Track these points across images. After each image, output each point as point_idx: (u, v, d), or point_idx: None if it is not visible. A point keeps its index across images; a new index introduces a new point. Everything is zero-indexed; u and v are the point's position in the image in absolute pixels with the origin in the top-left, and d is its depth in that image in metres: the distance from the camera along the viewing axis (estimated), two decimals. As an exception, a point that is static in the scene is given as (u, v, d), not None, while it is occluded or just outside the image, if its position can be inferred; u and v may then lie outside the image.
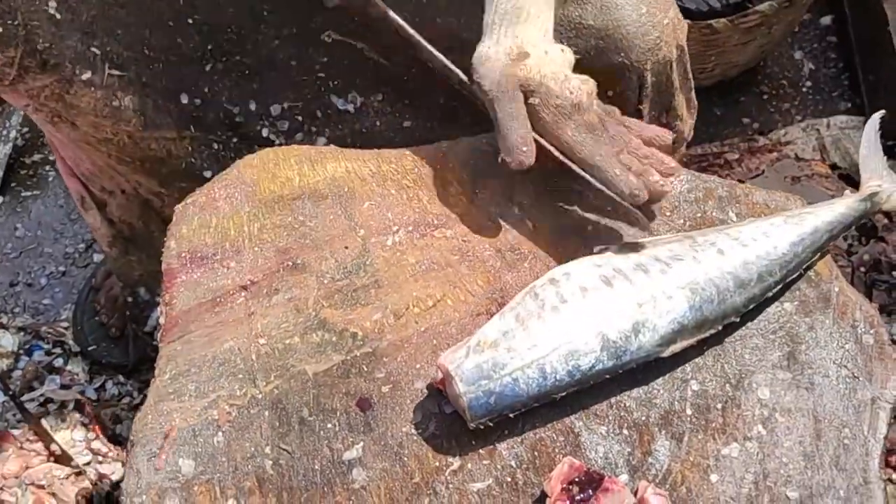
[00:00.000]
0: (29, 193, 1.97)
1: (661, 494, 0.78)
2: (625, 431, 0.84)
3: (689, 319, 0.86)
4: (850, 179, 1.73)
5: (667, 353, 0.85)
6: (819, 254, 0.94)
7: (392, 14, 1.01)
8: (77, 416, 1.47)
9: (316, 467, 0.83)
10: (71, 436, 1.44)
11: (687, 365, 0.88)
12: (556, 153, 0.93)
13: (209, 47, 1.11)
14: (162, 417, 0.86)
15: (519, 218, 0.98)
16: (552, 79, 0.90)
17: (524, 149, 0.89)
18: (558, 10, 1.00)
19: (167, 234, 0.99)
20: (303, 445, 0.84)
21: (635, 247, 0.91)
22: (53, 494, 1.26)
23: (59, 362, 1.62)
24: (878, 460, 0.83)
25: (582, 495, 0.77)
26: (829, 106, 1.94)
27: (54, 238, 1.89)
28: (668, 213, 0.99)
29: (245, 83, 1.12)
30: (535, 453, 0.83)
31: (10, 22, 1.01)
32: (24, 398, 1.50)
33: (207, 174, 1.17)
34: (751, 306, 0.89)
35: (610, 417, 0.85)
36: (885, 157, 1.02)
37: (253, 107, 1.12)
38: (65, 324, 1.69)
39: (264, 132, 1.13)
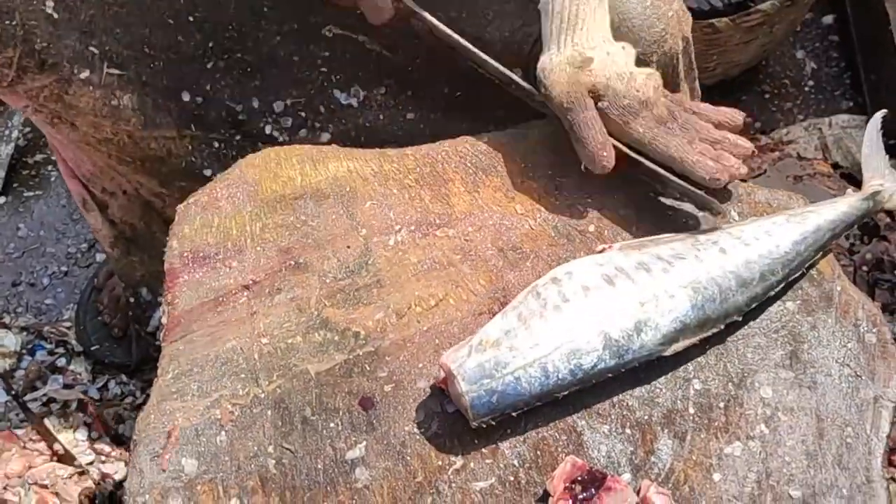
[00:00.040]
0: (31, 193, 1.97)
1: (663, 493, 0.78)
2: (627, 430, 0.84)
3: (692, 318, 0.86)
4: (853, 178, 1.72)
5: (669, 351, 0.85)
6: (821, 253, 0.94)
7: (436, 22, 1.01)
8: (80, 415, 1.47)
9: (319, 466, 0.83)
10: (74, 435, 1.44)
11: (689, 364, 0.88)
12: (632, 153, 0.96)
13: (210, 45, 1.11)
14: (165, 417, 0.86)
15: (521, 217, 0.99)
16: (618, 79, 0.93)
17: (604, 154, 0.93)
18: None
19: (169, 234, 0.99)
20: (305, 445, 0.84)
21: (637, 246, 0.91)
22: (57, 494, 1.26)
23: (61, 362, 1.62)
24: (881, 459, 0.83)
25: (584, 494, 0.77)
26: (831, 105, 1.94)
27: (56, 238, 1.89)
28: (669, 213, 0.99)
29: (247, 80, 1.12)
30: (538, 452, 0.83)
31: (7, 22, 1.01)
32: (26, 398, 1.50)
33: (207, 173, 1.17)
34: (753, 305, 0.89)
35: (612, 416, 0.85)
36: (888, 156, 1.02)
37: (255, 104, 1.12)
38: (67, 324, 1.69)
39: (267, 129, 1.12)
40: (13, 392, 1.45)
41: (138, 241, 1.36)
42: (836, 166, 1.78)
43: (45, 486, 1.27)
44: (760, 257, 0.90)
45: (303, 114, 1.13)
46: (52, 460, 1.34)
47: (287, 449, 0.84)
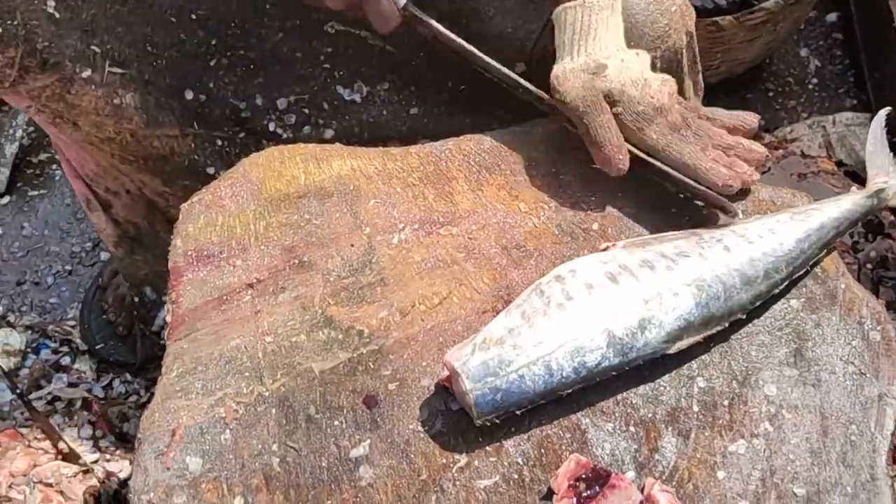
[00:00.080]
0: (35, 192, 1.98)
1: (667, 491, 0.78)
2: (631, 428, 0.84)
3: (696, 316, 0.85)
4: (857, 176, 1.72)
5: (673, 349, 0.85)
6: (825, 250, 0.94)
7: (442, 28, 1.01)
8: (84, 414, 1.48)
9: (323, 465, 0.83)
10: (78, 434, 1.44)
11: (693, 362, 0.88)
12: (647, 157, 0.96)
13: (213, 42, 1.11)
14: (169, 415, 0.86)
15: (525, 215, 0.99)
16: (633, 85, 0.94)
17: (619, 157, 0.94)
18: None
19: (173, 233, 0.99)
20: (310, 443, 0.84)
21: (641, 244, 0.91)
22: (61, 492, 1.26)
23: (66, 361, 1.62)
24: (886, 457, 0.83)
25: (589, 492, 0.77)
26: (835, 103, 1.94)
27: (61, 237, 1.90)
28: (673, 210, 0.98)
29: (250, 77, 1.12)
30: (542, 450, 0.83)
31: (9, 22, 1.01)
32: (31, 396, 1.51)
33: (211, 171, 1.17)
34: (757, 303, 0.89)
35: (616, 414, 0.85)
36: (892, 154, 1.02)
37: (259, 101, 1.13)
38: (72, 322, 1.69)
39: (271, 126, 1.13)
40: (18, 391, 1.45)
41: (142, 241, 1.36)
42: (840, 164, 1.78)
43: (50, 485, 1.27)
44: (764, 255, 0.90)
45: (306, 110, 1.13)
46: (56, 459, 1.34)
47: (291, 447, 0.84)
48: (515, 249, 0.96)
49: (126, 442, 1.45)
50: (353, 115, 1.13)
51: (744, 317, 0.89)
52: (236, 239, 0.98)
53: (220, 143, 1.16)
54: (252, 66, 1.12)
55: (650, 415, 0.85)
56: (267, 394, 0.87)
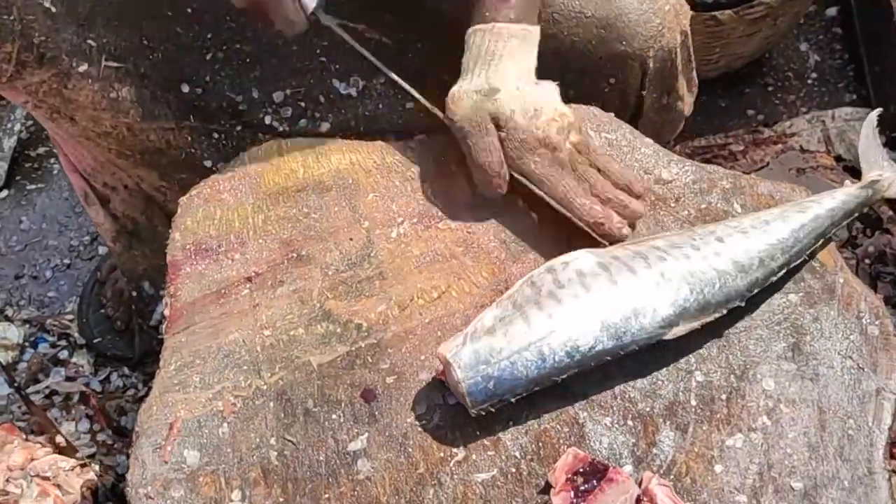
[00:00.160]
0: (34, 186, 1.97)
1: (665, 485, 0.78)
2: (629, 422, 0.84)
3: (691, 303, 0.85)
4: (855, 171, 1.71)
5: (670, 335, 0.85)
6: (822, 240, 0.94)
7: (347, 36, 1.03)
8: (82, 407, 1.48)
9: (321, 458, 0.83)
10: (76, 427, 1.44)
11: (691, 356, 0.88)
12: (530, 184, 0.95)
13: (208, 36, 1.11)
14: (167, 409, 0.86)
15: (524, 209, 0.98)
16: (522, 114, 0.93)
17: (497, 180, 0.95)
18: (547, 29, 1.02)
19: (172, 226, 0.99)
20: (308, 436, 0.84)
21: (634, 242, 0.91)
22: (59, 486, 1.26)
23: (64, 354, 1.62)
24: (883, 451, 0.83)
25: (586, 486, 0.77)
26: (835, 97, 1.93)
27: (59, 231, 1.90)
28: (672, 204, 0.98)
29: (246, 71, 1.12)
30: (540, 444, 0.83)
31: (5, 17, 1.01)
32: (29, 390, 1.51)
33: (208, 164, 1.17)
34: (755, 290, 0.89)
35: (614, 408, 0.85)
36: (886, 149, 1.02)
37: (255, 94, 1.12)
38: (70, 316, 1.69)
39: (267, 119, 1.13)
40: (15, 384, 1.45)
41: (140, 235, 1.36)
42: (839, 159, 1.77)
43: (48, 479, 1.27)
44: (758, 243, 0.90)
45: (302, 104, 1.13)
46: (54, 452, 1.34)
47: (289, 441, 0.84)
48: (514, 243, 0.96)
49: (124, 436, 1.45)
50: (350, 109, 1.13)
51: (742, 304, 0.89)
52: (235, 232, 0.98)
53: (216, 136, 1.16)
54: (248, 60, 1.12)
55: (648, 409, 0.85)
56: (265, 387, 0.87)
